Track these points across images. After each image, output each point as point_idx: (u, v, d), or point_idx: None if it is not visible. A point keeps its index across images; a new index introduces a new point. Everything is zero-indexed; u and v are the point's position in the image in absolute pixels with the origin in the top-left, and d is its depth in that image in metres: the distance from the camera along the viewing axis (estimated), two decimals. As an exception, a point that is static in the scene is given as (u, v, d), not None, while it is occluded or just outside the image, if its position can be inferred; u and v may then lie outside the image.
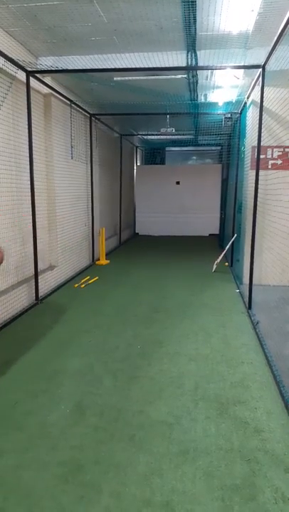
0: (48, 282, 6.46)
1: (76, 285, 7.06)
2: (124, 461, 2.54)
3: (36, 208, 5.81)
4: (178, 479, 2.38)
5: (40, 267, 6.13)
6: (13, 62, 4.96)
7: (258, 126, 5.34)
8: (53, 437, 2.78)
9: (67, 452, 2.63)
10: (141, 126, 11.89)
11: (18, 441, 2.75)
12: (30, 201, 5.70)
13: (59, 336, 4.67)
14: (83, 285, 7.07)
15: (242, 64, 5.54)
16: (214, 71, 6.27)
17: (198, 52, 5.47)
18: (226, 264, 8.84)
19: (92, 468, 2.47)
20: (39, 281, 5.95)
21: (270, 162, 6.63)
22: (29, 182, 5.66)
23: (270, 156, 6.63)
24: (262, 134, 5.34)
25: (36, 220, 5.82)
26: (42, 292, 6.12)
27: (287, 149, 6.58)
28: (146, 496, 2.26)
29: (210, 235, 14.36)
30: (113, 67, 5.76)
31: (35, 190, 5.74)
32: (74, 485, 2.34)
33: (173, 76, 6.40)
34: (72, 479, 2.39)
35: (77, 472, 2.44)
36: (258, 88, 5.51)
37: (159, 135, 12.24)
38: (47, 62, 5.88)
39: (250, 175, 6.43)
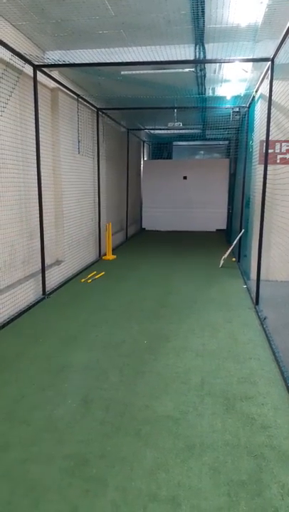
0: (54, 277, 6.48)
1: (83, 280, 7.07)
2: (130, 455, 2.55)
3: (43, 203, 5.82)
4: (184, 474, 2.38)
5: (47, 261, 6.14)
6: (20, 56, 4.95)
7: (266, 120, 5.28)
8: (59, 431, 2.80)
9: (73, 446, 2.64)
10: (148, 121, 11.84)
11: (24, 434, 2.76)
12: (37, 196, 5.71)
13: (66, 331, 4.68)
14: (90, 280, 7.08)
15: (250, 57, 5.47)
16: (222, 64, 6.21)
17: (206, 46, 5.42)
18: (234, 259, 8.80)
19: (98, 463, 2.48)
20: (46, 276, 5.97)
21: (279, 156, 6.57)
22: (36, 177, 5.66)
23: (278, 151, 6.57)
24: (270, 128, 5.28)
25: (43, 214, 5.83)
26: (49, 287, 6.14)
27: (295, 144, 6.51)
28: (152, 490, 2.26)
29: (217, 230, 14.29)
30: (120, 60, 5.72)
31: (42, 184, 5.74)
32: (80, 479, 2.35)
33: (180, 70, 6.35)
34: (79, 473, 2.40)
35: (83, 466, 2.45)
36: (266, 81, 5.44)
37: (166, 129, 12.17)
38: (54, 56, 5.86)
39: (258, 169, 6.38)
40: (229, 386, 3.39)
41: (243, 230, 8.20)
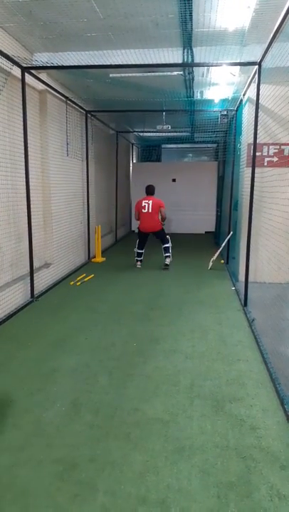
0: (43, 280, 6.44)
1: (72, 283, 7.04)
2: (119, 459, 2.53)
3: (31, 205, 5.77)
4: (173, 477, 2.38)
5: (35, 264, 6.10)
6: (8, 58, 4.91)
7: (253, 123, 5.33)
8: (48, 435, 2.77)
9: (62, 450, 2.62)
10: (137, 123, 11.86)
11: (13, 439, 2.73)
12: (25, 198, 5.67)
13: (55, 334, 4.65)
14: (79, 283, 7.05)
15: (238, 61, 5.53)
16: (210, 68, 6.26)
17: (194, 49, 5.45)
18: (222, 261, 8.84)
19: (88, 466, 2.47)
20: (34, 278, 5.92)
21: (266, 159, 6.63)
22: (24, 179, 5.62)
23: (266, 154, 6.63)
24: (258, 131, 5.32)
25: (31, 217, 5.79)
26: (37, 290, 6.09)
27: (283, 146, 6.58)
28: (142, 493, 2.26)
29: (206, 232, 14.35)
30: (109, 63, 5.72)
31: (30, 187, 5.70)
32: (69, 483, 2.33)
33: (169, 73, 6.38)
34: (68, 477, 2.38)
35: (73, 470, 2.44)
36: (254, 85, 5.49)
37: (155, 132, 12.20)
38: (42, 58, 5.84)
39: (246, 172, 6.43)
40: (218, 388, 3.40)
41: (231, 233, 8.25)
